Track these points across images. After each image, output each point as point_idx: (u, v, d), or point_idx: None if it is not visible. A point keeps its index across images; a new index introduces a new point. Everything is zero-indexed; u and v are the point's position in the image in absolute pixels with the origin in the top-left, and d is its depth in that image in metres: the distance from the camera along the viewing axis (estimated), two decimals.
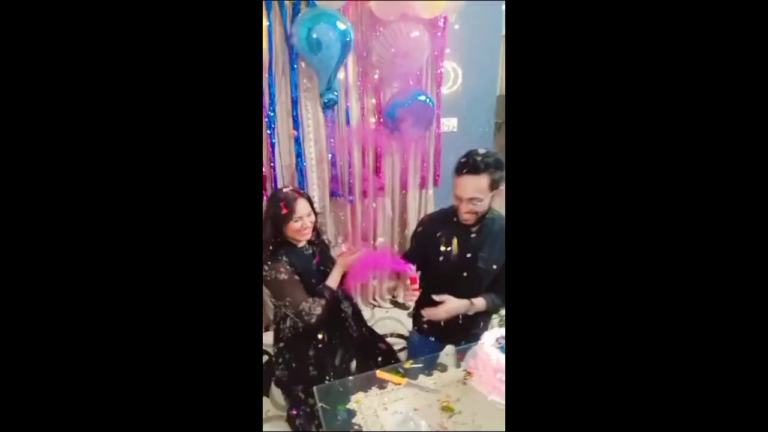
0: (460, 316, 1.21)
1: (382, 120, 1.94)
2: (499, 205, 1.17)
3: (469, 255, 1.19)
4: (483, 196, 1.10)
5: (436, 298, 1.17)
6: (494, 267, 1.18)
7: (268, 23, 1.58)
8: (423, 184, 2.24)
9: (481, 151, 1.11)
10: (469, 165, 1.09)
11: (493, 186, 1.09)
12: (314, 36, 1.53)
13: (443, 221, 1.25)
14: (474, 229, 1.20)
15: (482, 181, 1.07)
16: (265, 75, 1.64)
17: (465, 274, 1.20)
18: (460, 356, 1.06)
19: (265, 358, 1.80)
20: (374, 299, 2.28)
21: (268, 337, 1.83)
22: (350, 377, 1.04)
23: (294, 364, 1.25)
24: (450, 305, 1.17)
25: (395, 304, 2.28)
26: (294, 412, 1.21)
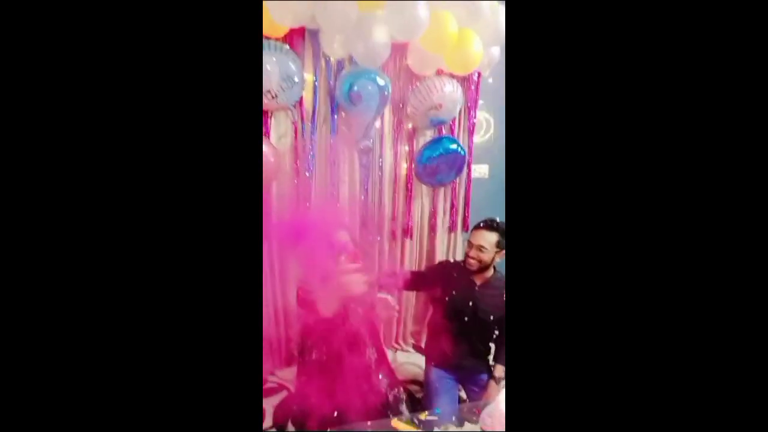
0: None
1: (414, 166, 2.02)
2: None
3: (471, 303, 1.46)
4: (489, 248, 1.42)
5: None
6: (491, 318, 1.44)
7: (314, 78, 1.76)
8: (453, 227, 2.26)
9: (498, 219, 1.47)
10: (486, 223, 1.45)
11: (500, 245, 1.42)
12: (355, 89, 1.68)
13: (455, 266, 1.58)
14: (479, 283, 1.49)
15: (492, 236, 1.42)
16: (308, 123, 1.79)
17: (465, 318, 1.46)
18: (478, 411, 1.03)
19: (285, 393, 1.82)
20: (397, 342, 2.26)
21: (290, 373, 1.87)
22: (368, 422, 1.04)
23: (314, 400, 1.27)
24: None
25: (418, 349, 2.24)
26: None
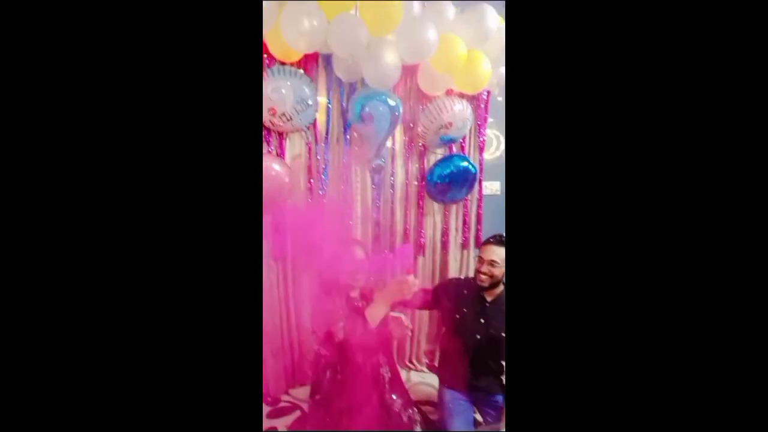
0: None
1: (425, 184, 2.04)
2: None
3: (482, 321, 1.46)
4: (501, 262, 1.43)
5: None
6: (503, 334, 1.43)
7: (327, 100, 1.81)
8: (465, 244, 2.25)
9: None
10: (496, 238, 1.46)
11: None
12: (366, 110, 1.72)
13: (465, 283, 1.60)
14: (489, 299, 1.49)
15: (503, 251, 1.43)
16: (322, 144, 1.84)
17: (477, 336, 1.46)
18: None
19: (298, 413, 1.81)
20: (411, 361, 2.22)
21: (302, 392, 1.85)
22: None
23: (327, 419, 1.26)
24: None
25: (432, 369, 2.20)
26: None
